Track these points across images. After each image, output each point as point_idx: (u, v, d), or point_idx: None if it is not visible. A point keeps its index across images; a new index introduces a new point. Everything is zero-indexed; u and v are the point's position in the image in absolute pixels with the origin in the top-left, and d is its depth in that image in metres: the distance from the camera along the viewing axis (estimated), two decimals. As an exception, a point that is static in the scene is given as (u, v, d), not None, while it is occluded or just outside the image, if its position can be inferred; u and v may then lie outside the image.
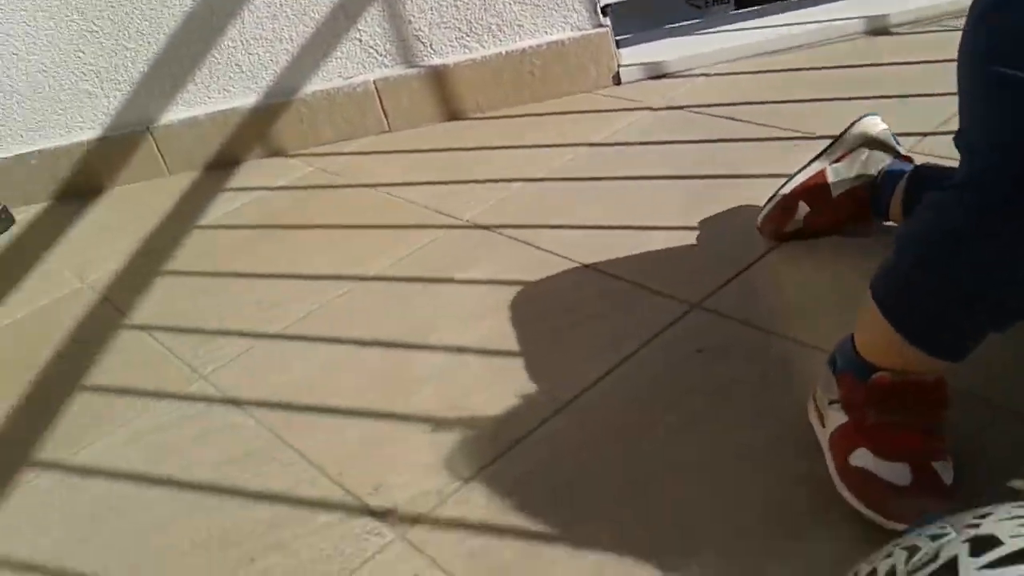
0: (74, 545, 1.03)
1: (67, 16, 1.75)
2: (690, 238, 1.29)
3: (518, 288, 1.27)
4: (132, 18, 1.74)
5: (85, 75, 1.80)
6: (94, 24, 1.75)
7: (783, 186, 1.21)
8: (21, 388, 1.33)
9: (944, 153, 1.29)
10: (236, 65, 1.79)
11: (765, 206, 1.22)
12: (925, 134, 1.36)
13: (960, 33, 0.77)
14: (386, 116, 1.83)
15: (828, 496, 0.85)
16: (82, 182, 1.90)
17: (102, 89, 1.81)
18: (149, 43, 1.76)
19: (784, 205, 1.20)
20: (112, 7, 1.73)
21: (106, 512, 1.07)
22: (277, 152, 1.87)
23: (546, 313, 1.21)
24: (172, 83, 1.81)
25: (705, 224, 1.30)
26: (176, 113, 1.84)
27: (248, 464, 1.08)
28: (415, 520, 0.95)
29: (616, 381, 1.07)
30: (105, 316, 1.46)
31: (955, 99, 0.77)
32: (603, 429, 1.01)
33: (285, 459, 1.08)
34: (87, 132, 1.86)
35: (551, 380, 1.09)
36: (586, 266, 1.28)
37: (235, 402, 1.19)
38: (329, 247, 1.51)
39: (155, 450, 1.14)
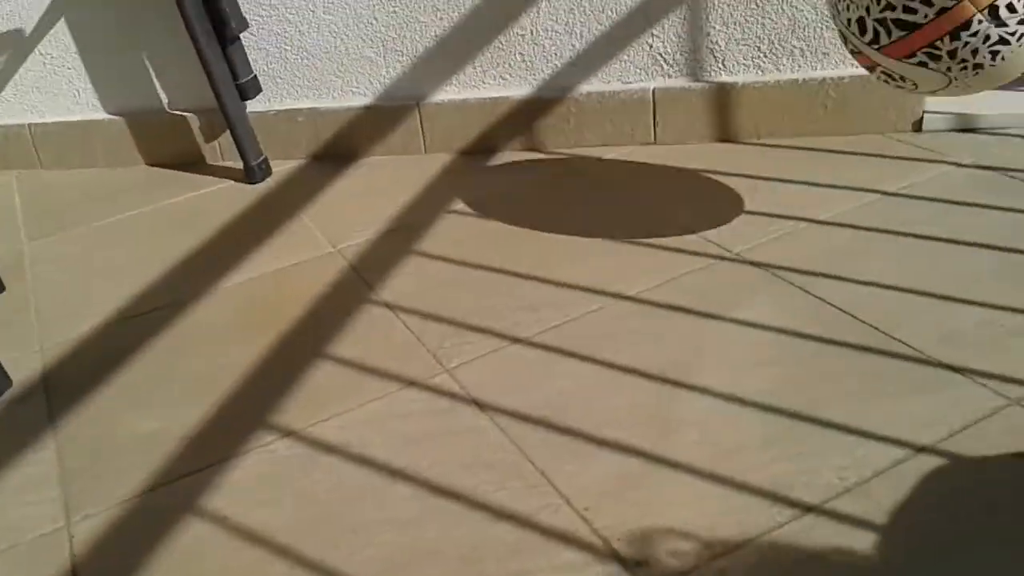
0: (305, 526, 1.00)
1: (368, -18, 1.76)
2: (1014, 322, 1.12)
3: (799, 341, 1.15)
4: (431, -8, 1.74)
5: (372, 42, 1.81)
6: (392, -7, 1.76)
7: None
8: (266, 344, 1.33)
9: None
10: (519, 54, 1.75)
11: None
12: None
13: None
14: (655, 127, 1.74)
15: None
16: (341, 146, 1.92)
17: (384, 59, 1.82)
18: (441, 19, 1.75)
19: None
20: (412, -22, 1.74)
21: (342, 498, 1.03)
22: (536, 147, 1.82)
23: (834, 377, 1.08)
24: (452, 63, 1.79)
25: (1034, 309, 1.13)
26: (448, 93, 1.82)
27: (491, 476, 1.02)
28: (673, 585, 0.86)
29: (916, 469, 0.92)
30: (353, 287, 1.45)
31: None
32: (900, 522, 0.87)
33: (530, 479, 1.00)
34: (358, 99, 1.88)
35: (840, 456, 0.96)
36: (879, 330, 1.14)
37: (480, 405, 1.13)
38: (585, 256, 1.43)
39: (396, 439, 1.10)
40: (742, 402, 1.06)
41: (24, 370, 1.36)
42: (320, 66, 1.86)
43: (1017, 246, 1.26)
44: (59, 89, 2.03)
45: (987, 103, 1.63)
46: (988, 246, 1.27)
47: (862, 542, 0.86)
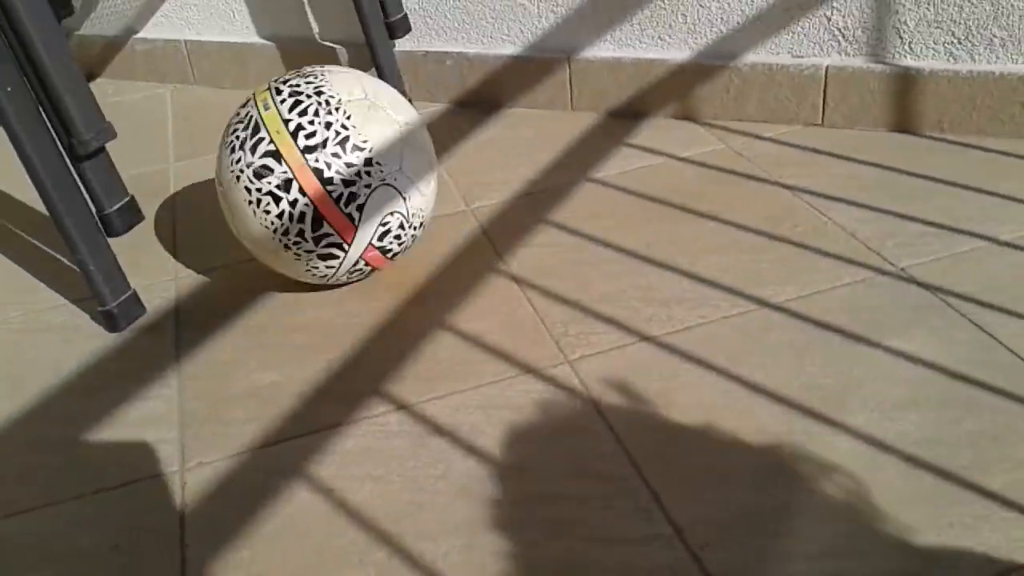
0: (408, 513, 0.97)
1: (527, -75, 1.67)
2: None
3: (962, 385, 1.03)
4: (590, -58, 1.63)
5: (525, -11, 1.73)
6: (551, -60, 1.66)
7: None
8: (390, 302, 1.31)
9: None
10: (682, 15, 1.63)
11: None
12: None
13: None
14: (824, 107, 1.59)
15: None
16: (486, 94, 1.85)
17: (537, 8, 1.73)
18: (599, -28, 1.65)
19: None
20: (573, -75, 1.63)
21: (447, 488, 1.00)
22: (688, 116, 1.70)
23: (1002, 436, 0.96)
24: (608, 18, 1.69)
25: None
26: (601, 50, 1.72)
27: (600, 490, 0.97)
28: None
29: (1088, 573, 0.82)
30: (482, 253, 1.40)
31: None
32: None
33: (642, 501, 0.95)
34: (508, 47, 1.80)
35: (996, 535, 0.86)
36: (1058, 386, 1.01)
37: (598, 406, 1.07)
38: (729, 249, 1.33)
39: (508, 431, 1.06)
40: (888, 450, 0.96)
41: (158, 298, 1.39)
42: (472, 10, 1.79)
43: None
44: (215, 9, 2.04)
45: None
46: None
47: (1009, 640, 0.77)
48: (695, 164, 1.57)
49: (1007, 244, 1.25)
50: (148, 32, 2.15)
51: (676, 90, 1.68)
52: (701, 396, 1.07)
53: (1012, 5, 1.41)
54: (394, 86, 1.83)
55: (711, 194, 1.47)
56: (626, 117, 1.74)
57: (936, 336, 1.11)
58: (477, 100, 1.86)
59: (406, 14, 1.84)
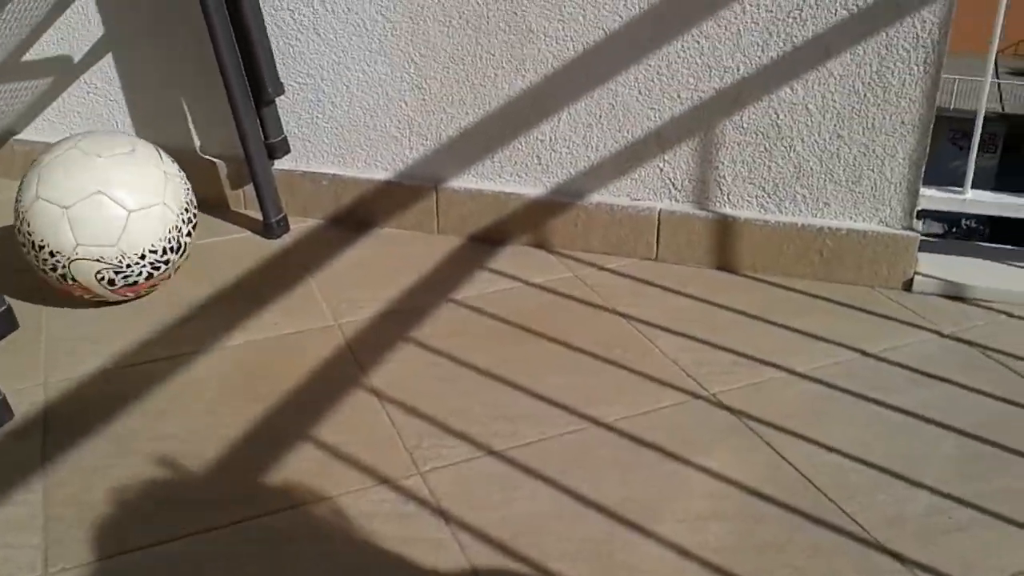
0: (264, 610, 1.05)
1: (404, 67, 1.85)
2: (961, 514, 1.17)
3: (754, 500, 1.20)
4: (461, 87, 1.82)
5: (399, 123, 1.90)
6: (425, 82, 1.84)
7: None
8: (254, 413, 1.39)
9: None
10: (536, 157, 1.83)
11: None
12: None
13: None
14: (657, 245, 1.81)
15: None
16: (359, 214, 2.00)
17: (409, 140, 1.90)
18: (467, 113, 1.84)
19: None
20: (447, 72, 1.82)
21: (300, 587, 1.09)
22: (542, 245, 1.89)
23: (780, 546, 1.13)
24: (472, 154, 1.87)
25: (982, 498, 1.18)
26: (465, 181, 1.90)
27: (442, 593, 1.08)
28: None
29: (840, 663, 0.98)
30: (345, 368, 1.51)
31: None
32: None
33: (478, 603, 1.06)
34: (381, 172, 1.96)
35: (769, 630, 1.01)
36: (831, 500, 1.20)
37: (446, 516, 1.19)
38: (570, 370, 1.49)
39: (361, 541, 1.16)
40: (690, 557, 1.11)
41: (26, 404, 1.43)
42: (348, 137, 1.95)
43: (979, 433, 1.32)
44: (99, 117, 2.12)
45: (976, 274, 1.70)
46: (952, 428, 1.33)
47: None
48: (545, 290, 1.74)
49: (800, 375, 1.47)
50: (28, 134, 2.20)
51: (531, 221, 1.87)
52: (536, 506, 1.20)
53: (811, 168, 1.68)
54: (271, 202, 1.96)
55: (557, 318, 1.64)
56: (486, 243, 1.91)
57: (736, 455, 1.29)
58: (350, 219, 2.00)
59: (286, 136, 1.97)
